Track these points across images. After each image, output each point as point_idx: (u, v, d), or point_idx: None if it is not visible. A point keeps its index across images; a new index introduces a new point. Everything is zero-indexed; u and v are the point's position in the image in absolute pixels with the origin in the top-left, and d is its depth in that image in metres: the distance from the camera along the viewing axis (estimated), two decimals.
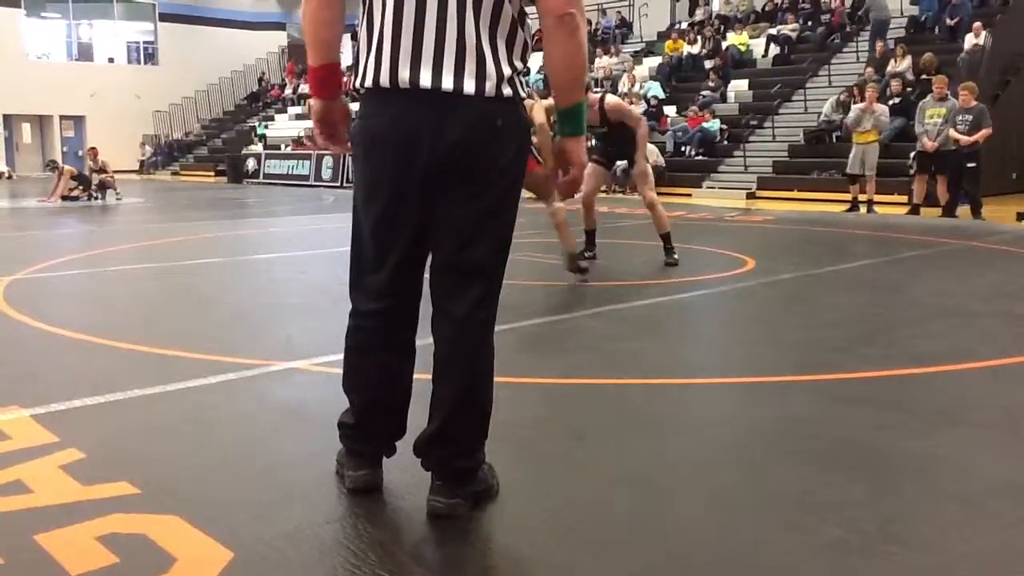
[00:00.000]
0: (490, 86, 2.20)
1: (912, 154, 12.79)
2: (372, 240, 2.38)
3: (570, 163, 2.37)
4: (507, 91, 2.23)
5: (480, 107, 2.21)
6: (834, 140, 16.11)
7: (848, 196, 13.22)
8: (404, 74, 2.20)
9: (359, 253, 2.46)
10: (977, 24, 16.05)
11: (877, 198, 12.98)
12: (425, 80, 2.19)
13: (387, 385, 2.51)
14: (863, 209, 12.86)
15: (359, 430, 2.56)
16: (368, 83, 2.29)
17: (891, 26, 19.23)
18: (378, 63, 2.25)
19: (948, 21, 17.51)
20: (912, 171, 12.80)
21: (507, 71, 2.23)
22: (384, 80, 2.24)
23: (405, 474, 2.62)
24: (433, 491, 2.40)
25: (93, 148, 17.68)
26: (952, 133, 11.77)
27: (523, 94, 2.30)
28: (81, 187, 16.19)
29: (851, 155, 13.10)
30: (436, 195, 2.28)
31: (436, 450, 2.41)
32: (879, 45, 17.81)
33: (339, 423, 2.62)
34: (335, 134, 2.53)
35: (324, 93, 2.50)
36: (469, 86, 2.19)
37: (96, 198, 16.18)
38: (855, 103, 14.19)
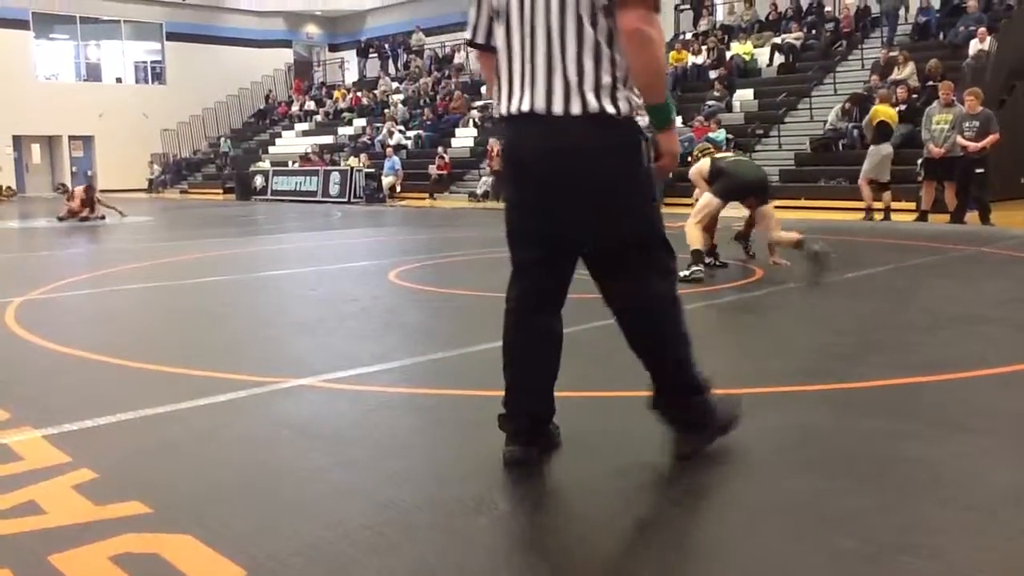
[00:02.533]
0: (579, 107, 2.58)
1: (919, 161, 12.77)
2: None
3: (660, 152, 2.74)
4: (594, 107, 2.58)
5: (572, 124, 2.59)
6: (840, 148, 16.10)
7: (862, 204, 13.12)
8: (515, 103, 2.68)
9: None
10: (982, 30, 16.05)
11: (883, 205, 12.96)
12: (526, 105, 2.65)
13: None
14: (878, 216, 12.84)
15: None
16: (499, 112, 2.80)
17: (897, 32, 19.26)
18: (499, 94, 2.76)
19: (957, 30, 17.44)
20: (920, 177, 12.77)
21: (593, 90, 2.58)
22: (503, 109, 2.75)
23: (420, 491, 2.62)
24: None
25: (90, 186, 17.57)
26: (960, 139, 11.75)
27: (614, 109, 2.59)
28: (89, 208, 16.28)
29: (876, 162, 12.87)
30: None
31: None
32: (883, 52, 17.82)
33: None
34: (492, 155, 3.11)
35: None
36: (558, 107, 2.59)
37: (102, 217, 16.27)
38: (845, 109, 14.16)
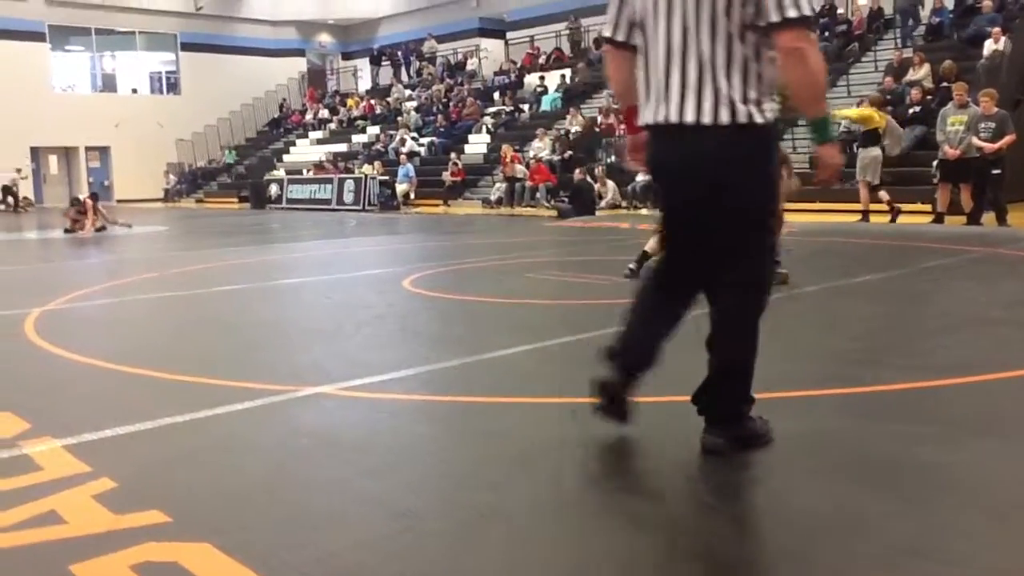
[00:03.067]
0: (726, 116, 2.74)
1: (935, 162, 12.71)
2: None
3: (820, 164, 2.92)
4: (742, 119, 2.74)
5: (718, 135, 2.75)
6: (855, 150, 16.03)
7: (877, 206, 13.09)
8: (662, 114, 2.84)
9: None
10: (996, 30, 15.96)
11: (902, 206, 12.91)
12: (674, 116, 2.80)
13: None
14: (878, 219, 12.84)
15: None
16: (643, 122, 2.96)
17: (909, 33, 19.19)
18: (644, 104, 2.93)
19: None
20: (935, 179, 12.71)
21: (742, 102, 2.74)
22: (648, 118, 2.91)
23: (437, 500, 2.63)
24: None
25: (93, 194, 17.38)
26: (975, 141, 11.69)
27: (762, 119, 2.75)
28: (87, 218, 16.04)
29: (865, 164, 12.91)
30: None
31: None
32: (897, 54, 17.75)
33: None
34: (639, 159, 3.16)
35: (631, 130, 3.16)
36: (707, 118, 2.75)
37: (102, 228, 16.10)
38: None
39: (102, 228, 16.08)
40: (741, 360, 3.07)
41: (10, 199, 26.99)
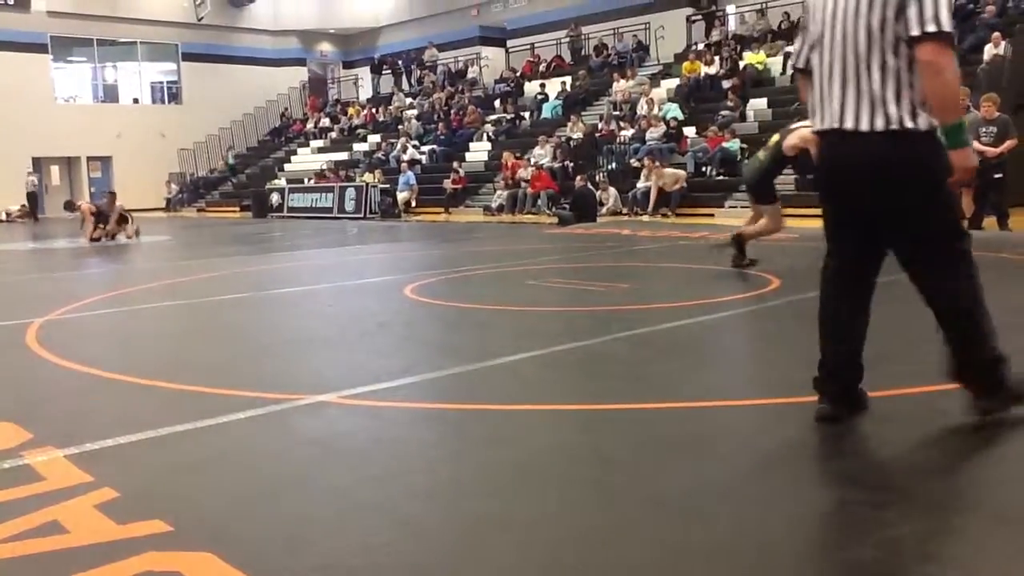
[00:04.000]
0: (882, 123, 3.05)
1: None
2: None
3: (955, 168, 3.08)
4: (894, 126, 3.04)
5: (875, 140, 3.08)
6: None
7: None
8: (828, 120, 3.20)
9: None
10: (996, 34, 15.96)
11: None
12: (837, 122, 3.16)
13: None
14: None
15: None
16: (814, 129, 3.34)
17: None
18: (814, 112, 3.29)
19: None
20: None
21: (896, 110, 3.04)
22: (818, 125, 3.28)
23: (441, 507, 2.62)
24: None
25: (112, 193, 17.38)
26: (977, 145, 11.67)
27: (912, 124, 3.03)
28: (101, 225, 16.09)
29: None
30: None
31: None
32: None
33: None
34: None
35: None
36: (865, 124, 3.08)
37: (114, 237, 16.10)
38: None
39: (112, 236, 16.03)
40: (967, 314, 3.31)
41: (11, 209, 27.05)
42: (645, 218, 16.86)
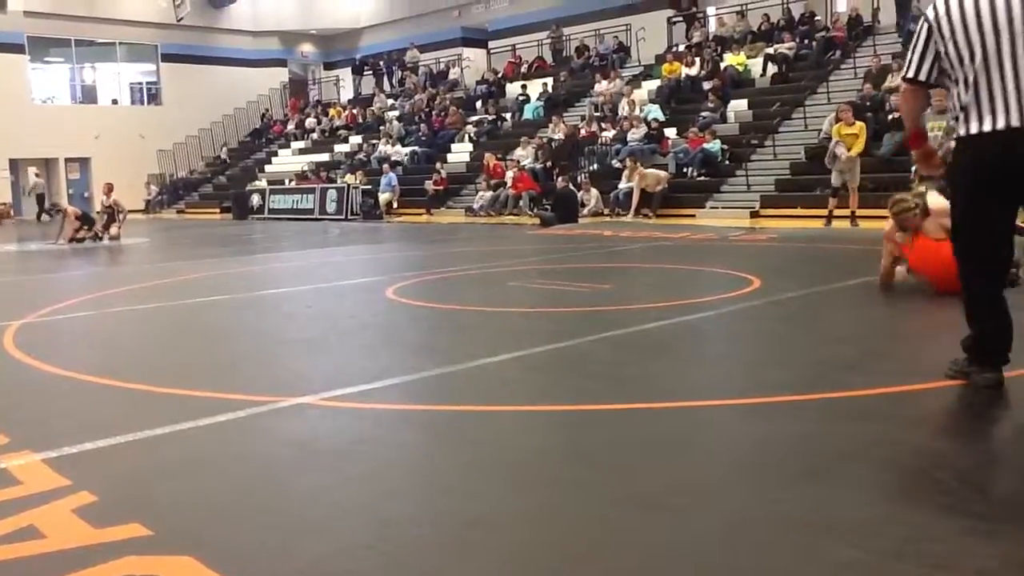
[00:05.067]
0: None
1: (913, 168, 12.80)
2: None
3: None
4: None
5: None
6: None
7: (860, 211, 13.29)
8: (999, 122, 3.53)
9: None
10: None
11: (877, 212, 13.03)
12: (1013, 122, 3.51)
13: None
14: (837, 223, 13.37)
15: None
16: (972, 131, 3.62)
17: (886, 42, 19.39)
18: (969, 117, 3.63)
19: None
20: (914, 184, 12.81)
21: None
22: (973, 128, 3.60)
23: (422, 508, 2.60)
24: None
25: (109, 184, 17.29)
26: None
27: None
28: (86, 227, 16.08)
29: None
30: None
31: None
32: (875, 61, 17.90)
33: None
34: (931, 163, 4.09)
35: (917, 145, 4.07)
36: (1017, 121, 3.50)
37: (100, 237, 16.06)
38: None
39: (97, 236, 15.95)
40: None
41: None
42: (627, 219, 16.89)
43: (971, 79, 3.59)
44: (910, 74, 3.79)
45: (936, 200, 6.33)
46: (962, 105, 3.64)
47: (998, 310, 3.73)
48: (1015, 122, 3.49)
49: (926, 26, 3.73)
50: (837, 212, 13.58)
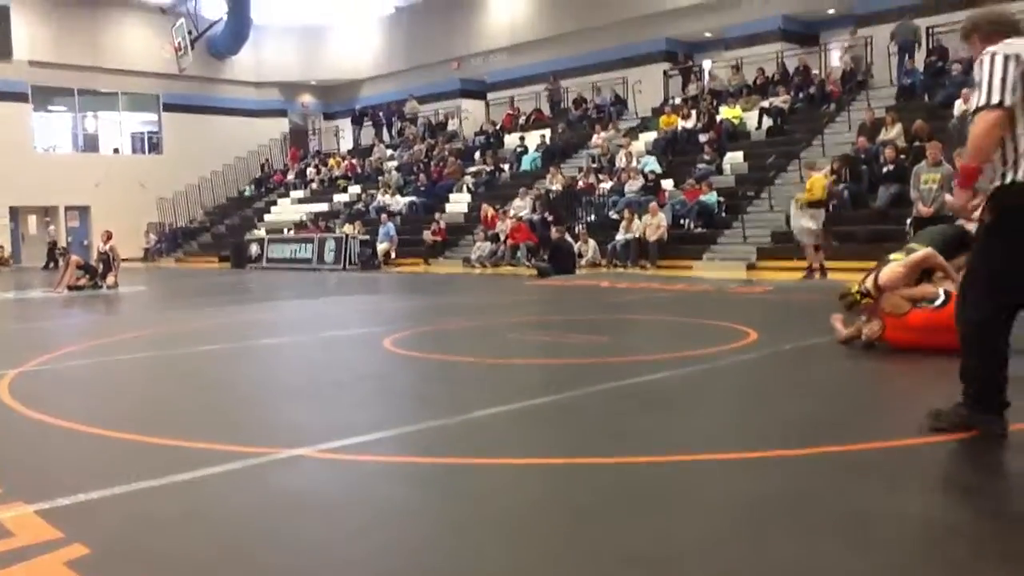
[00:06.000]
0: None
1: (908, 220, 12.90)
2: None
3: None
4: None
5: None
6: (831, 208, 16.25)
7: (853, 264, 13.38)
8: None
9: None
10: (965, 91, 16.32)
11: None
12: None
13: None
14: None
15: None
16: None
17: (880, 96, 19.64)
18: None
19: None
20: (910, 237, 12.89)
21: None
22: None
23: (420, 563, 2.59)
24: None
25: (108, 232, 17.50)
26: (948, 198, 11.86)
27: None
28: (87, 276, 16.20)
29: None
30: None
31: None
32: (869, 114, 18.12)
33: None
34: (970, 207, 3.94)
35: (968, 184, 3.87)
36: None
37: (99, 286, 16.11)
38: (834, 169, 14.89)
39: (96, 285, 15.99)
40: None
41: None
42: (623, 270, 16.95)
43: None
44: (996, 99, 3.59)
45: (892, 271, 6.43)
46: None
47: (1006, 360, 3.82)
48: None
49: (1002, 56, 3.61)
50: (848, 265, 13.80)
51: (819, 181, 14.13)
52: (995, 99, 3.56)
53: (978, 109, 3.64)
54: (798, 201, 14.09)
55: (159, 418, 4.93)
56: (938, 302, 6.09)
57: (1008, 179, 3.64)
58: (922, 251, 6.58)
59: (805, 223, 13.92)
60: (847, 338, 6.70)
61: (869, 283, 6.51)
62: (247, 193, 33.81)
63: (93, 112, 34.24)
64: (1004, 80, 3.56)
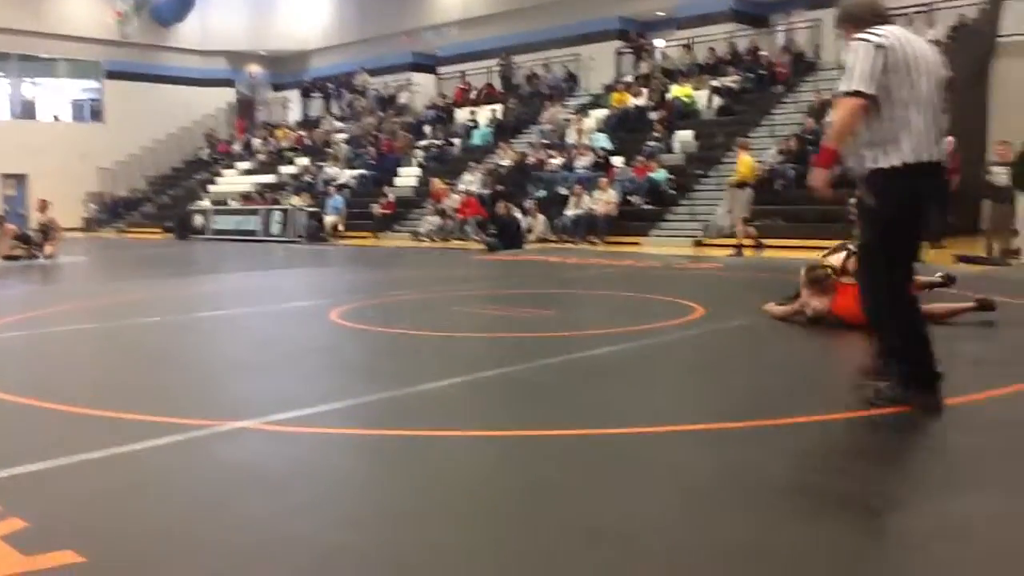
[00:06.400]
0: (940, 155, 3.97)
1: (851, 199, 13.10)
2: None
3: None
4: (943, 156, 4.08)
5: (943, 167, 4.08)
6: (777, 188, 16.47)
7: (803, 241, 13.62)
8: (925, 155, 3.86)
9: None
10: None
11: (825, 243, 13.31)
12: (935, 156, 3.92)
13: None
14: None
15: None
16: (899, 162, 3.85)
17: (828, 77, 19.87)
18: (902, 147, 3.84)
19: None
20: (853, 217, 13.11)
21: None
22: (909, 159, 3.84)
23: (372, 535, 2.57)
24: None
25: (43, 200, 17.03)
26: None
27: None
28: (24, 245, 15.74)
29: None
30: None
31: None
32: (816, 96, 18.33)
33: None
34: (828, 189, 4.08)
35: (828, 164, 4.07)
36: (941, 156, 3.98)
37: (36, 256, 15.69)
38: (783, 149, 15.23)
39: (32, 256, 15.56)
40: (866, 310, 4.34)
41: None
42: (572, 245, 17.01)
43: (903, 114, 3.83)
44: (855, 87, 3.83)
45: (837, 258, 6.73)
46: (892, 135, 3.83)
47: (919, 313, 4.03)
48: (936, 157, 3.92)
49: (872, 45, 3.82)
50: (794, 243, 14.18)
51: (746, 162, 14.54)
52: (855, 86, 3.79)
53: (843, 94, 3.88)
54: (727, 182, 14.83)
55: (99, 390, 4.83)
56: None
57: (880, 163, 3.86)
58: None
59: (731, 201, 14.74)
60: (784, 315, 6.80)
61: (834, 260, 6.61)
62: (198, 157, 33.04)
63: (31, 78, 33.24)
64: (868, 70, 3.79)
